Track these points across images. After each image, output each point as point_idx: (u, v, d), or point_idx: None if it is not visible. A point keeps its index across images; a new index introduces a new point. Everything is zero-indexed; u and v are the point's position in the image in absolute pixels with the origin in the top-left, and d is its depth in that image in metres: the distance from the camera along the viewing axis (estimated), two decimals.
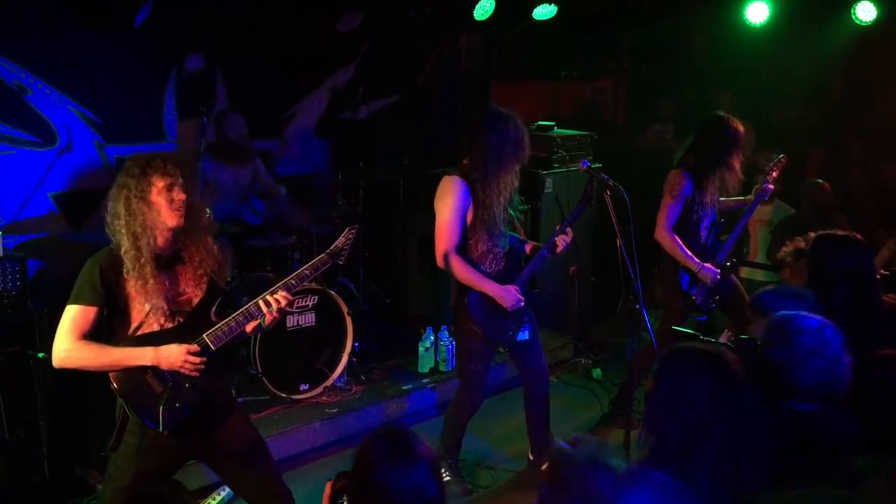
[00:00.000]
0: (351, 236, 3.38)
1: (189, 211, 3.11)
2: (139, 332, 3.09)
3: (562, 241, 4.23)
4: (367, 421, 5.22)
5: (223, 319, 3.16)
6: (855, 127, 8.14)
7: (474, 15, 6.72)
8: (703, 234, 4.88)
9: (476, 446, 4.97)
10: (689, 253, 4.80)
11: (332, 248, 3.37)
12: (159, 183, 3.05)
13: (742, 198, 5.04)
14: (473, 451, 4.91)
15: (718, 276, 4.80)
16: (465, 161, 4.18)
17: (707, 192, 4.81)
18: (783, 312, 2.71)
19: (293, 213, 5.96)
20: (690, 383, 2.30)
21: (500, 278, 4.21)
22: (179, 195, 3.07)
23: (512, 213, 4.36)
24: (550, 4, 6.90)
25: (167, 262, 3.15)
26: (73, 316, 3.03)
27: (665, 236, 4.81)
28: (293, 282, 3.22)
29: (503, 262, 4.27)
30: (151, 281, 3.03)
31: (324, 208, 6.01)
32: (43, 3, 5.28)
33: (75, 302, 3.04)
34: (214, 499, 4.34)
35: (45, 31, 5.35)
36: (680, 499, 1.95)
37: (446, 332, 5.76)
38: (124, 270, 3.03)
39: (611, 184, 3.99)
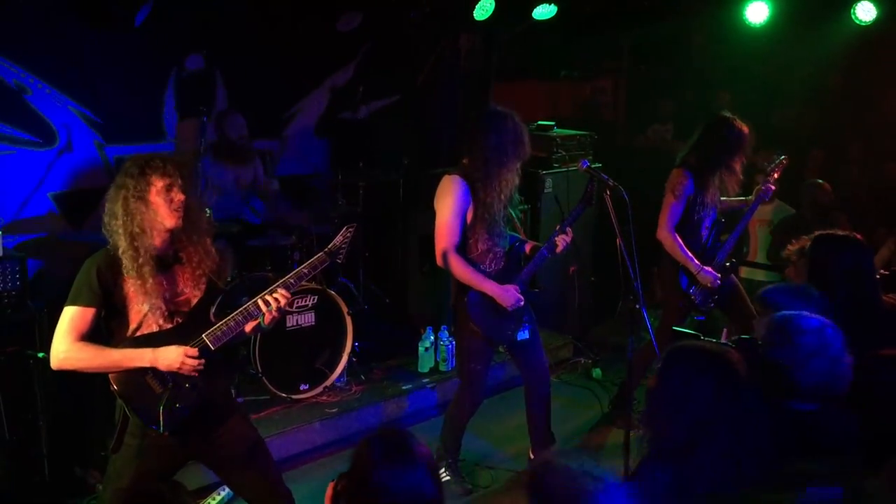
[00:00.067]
0: (349, 235, 3.38)
1: (187, 211, 3.11)
2: (138, 333, 3.08)
3: (562, 241, 4.23)
4: (366, 421, 5.22)
5: (222, 319, 3.16)
6: (855, 127, 8.15)
7: (474, 15, 6.72)
8: (704, 233, 4.88)
9: (476, 446, 4.97)
10: (690, 254, 4.79)
11: (329, 246, 3.37)
12: (158, 183, 3.04)
13: (743, 198, 5.03)
14: (473, 451, 4.91)
15: (718, 281, 4.80)
16: (465, 161, 4.19)
17: (708, 192, 4.81)
18: (784, 312, 2.71)
19: (293, 214, 5.95)
20: (693, 382, 2.31)
21: (500, 278, 4.21)
22: (178, 196, 3.06)
23: (512, 212, 4.36)
24: (550, 4, 6.91)
25: (165, 263, 3.14)
26: (70, 317, 3.02)
27: (667, 236, 4.80)
28: (292, 281, 3.21)
29: (503, 262, 4.27)
30: (150, 281, 3.03)
31: (324, 208, 6.01)
32: (43, 3, 5.28)
33: (73, 303, 3.03)
34: (214, 499, 4.34)
35: (45, 31, 5.36)
36: None
37: (446, 332, 5.76)
38: (122, 271, 3.03)
39: (611, 184, 3.98)
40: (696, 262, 4.79)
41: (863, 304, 3.24)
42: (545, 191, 6.35)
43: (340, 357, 5.36)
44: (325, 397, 5.30)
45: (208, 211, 5.11)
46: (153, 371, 3.05)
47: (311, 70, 6.94)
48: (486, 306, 4.20)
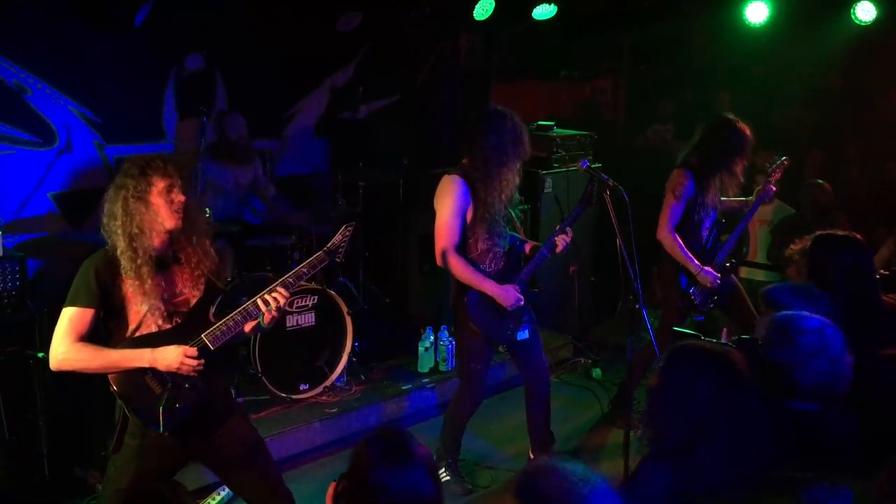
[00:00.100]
0: (348, 233, 3.38)
1: (186, 212, 3.11)
2: (137, 334, 3.07)
3: (561, 241, 4.23)
4: (366, 421, 5.22)
5: (222, 319, 3.16)
6: (855, 127, 8.15)
7: (474, 15, 6.72)
8: (705, 234, 4.88)
9: (476, 446, 4.97)
10: (690, 255, 4.79)
11: (328, 245, 3.37)
12: (160, 184, 3.04)
13: (743, 199, 5.03)
14: (473, 450, 4.91)
15: (718, 281, 4.79)
16: (464, 161, 4.19)
17: (709, 194, 4.80)
18: (784, 312, 2.71)
19: (293, 214, 5.96)
20: (694, 382, 2.31)
21: (500, 277, 4.21)
22: (179, 197, 3.06)
23: (512, 212, 4.36)
24: (550, 4, 6.91)
25: (164, 263, 3.13)
26: (69, 318, 3.02)
27: (667, 236, 4.80)
28: (290, 280, 3.21)
29: (503, 262, 4.27)
30: (148, 282, 3.02)
31: (324, 208, 6.01)
32: (43, 3, 5.28)
33: (71, 304, 3.03)
34: (214, 499, 4.34)
35: (45, 31, 5.36)
36: None
37: (446, 332, 5.76)
38: (121, 272, 3.03)
39: (610, 184, 3.98)
40: (696, 262, 4.79)
41: (863, 304, 3.24)
42: (545, 191, 6.35)
43: (340, 357, 5.36)
44: (325, 397, 5.30)
45: (208, 211, 5.14)
46: (152, 371, 3.04)
47: (311, 70, 6.94)
48: (485, 306, 4.20)
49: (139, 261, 3.01)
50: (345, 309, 5.36)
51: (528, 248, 4.37)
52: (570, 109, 9.37)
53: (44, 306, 4.27)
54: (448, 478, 4.52)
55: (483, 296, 4.18)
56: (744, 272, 6.29)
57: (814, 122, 8.36)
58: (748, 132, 4.72)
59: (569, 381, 6.11)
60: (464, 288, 4.20)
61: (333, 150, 7.21)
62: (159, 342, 3.04)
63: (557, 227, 4.25)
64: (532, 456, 4.67)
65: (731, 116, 4.77)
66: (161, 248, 3.11)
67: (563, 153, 6.47)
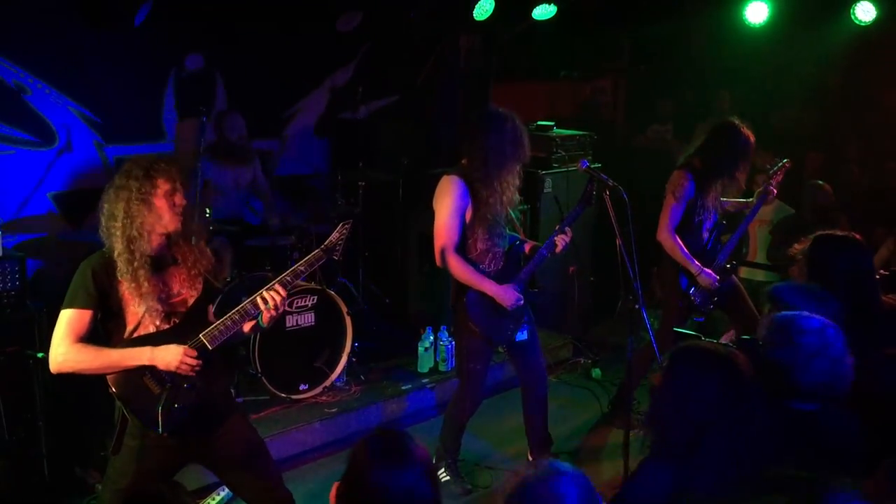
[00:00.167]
0: (345, 231, 3.39)
1: (185, 214, 3.11)
2: (135, 335, 3.07)
3: (561, 241, 4.23)
4: (366, 421, 5.22)
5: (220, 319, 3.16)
6: (855, 127, 8.15)
7: (474, 15, 6.72)
8: (705, 235, 4.87)
9: (476, 446, 4.97)
10: (690, 256, 4.78)
11: (326, 243, 3.37)
12: (164, 186, 3.04)
13: (744, 200, 5.03)
14: (473, 451, 4.91)
15: (717, 283, 4.79)
16: (463, 161, 4.18)
17: (709, 196, 4.78)
18: (785, 312, 2.71)
19: (293, 214, 5.96)
20: (698, 382, 2.31)
21: (499, 278, 4.21)
22: (181, 199, 3.07)
23: (512, 213, 4.36)
24: (550, 4, 6.91)
25: (160, 264, 3.13)
26: (68, 320, 3.01)
27: (667, 238, 4.79)
28: (288, 278, 3.21)
29: (502, 262, 4.27)
30: (145, 284, 3.02)
31: (323, 208, 6.01)
32: (43, 3, 5.28)
33: (69, 306, 3.02)
34: (214, 499, 4.33)
35: (45, 31, 5.36)
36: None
37: (446, 332, 5.76)
38: (117, 273, 3.02)
39: (610, 184, 3.98)
40: (697, 263, 4.78)
41: (862, 305, 3.24)
42: (545, 191, 6.35)
43: (340, 357, 5.36)
44: (324, 397, 5.30)
45: (208, 211, 5.15)
46: (151, 372, 3.04)
47: (311, 70, 6.95)
48: (485, 306, 4.20)
49: (136, 263, 3.01)
50: (344, 309, 5.36)
51: (527, 248, 4.37)
52: (570, 109, 9.37)
53: (43, 306, 4.27)
54: (447, 478, 4.52)
55: (483, 296, 4.18)
56: (744, 272, 6.29)
57: (814, 122, 8.36)
58: (752, 138, 4.69)
59: (568, 381, 6.11)
60: (463, 288, 4.20)
61: (333, 150, 7.21)
62: (158, 342, 3.04)
63: (557, 227, 4.25)
64: (531, 457, 4.67)
65: (736, 121, 4.72)
66: (158, 249, 3.11)
67: (563, 153, 6.46)
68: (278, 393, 5.11)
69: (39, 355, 4.12)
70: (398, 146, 6.91)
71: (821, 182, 6.15)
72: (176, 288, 3.16)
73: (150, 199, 3.02)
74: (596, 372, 6.20)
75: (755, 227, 6.25)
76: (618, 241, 3.85)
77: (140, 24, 5.28)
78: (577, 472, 1.94)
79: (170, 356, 3.01)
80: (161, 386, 3.05)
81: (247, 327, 3.24)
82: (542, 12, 6.96)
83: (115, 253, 3.02)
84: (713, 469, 2.22)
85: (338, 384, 5.39)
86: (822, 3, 6.98)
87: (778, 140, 7.00)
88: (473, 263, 4.18)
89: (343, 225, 3.39)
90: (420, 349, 5.79)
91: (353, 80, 7.07)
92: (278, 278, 3.19)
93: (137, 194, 3.00)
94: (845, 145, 8.01)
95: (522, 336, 4.37)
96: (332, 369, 5.34)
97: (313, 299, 5.25)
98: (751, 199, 4.98)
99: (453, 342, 5.33)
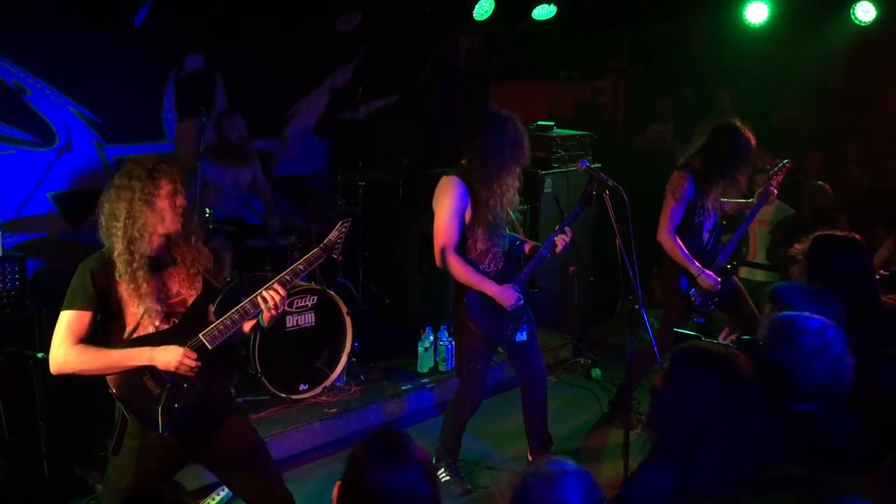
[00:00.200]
0: (344, 230, 3.39)
1: (185, 215, 3.11)
2: (135, 335, 3.07)
3: (561, 241, 4.22)
4: (366, 421, 5.22)
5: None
6: (855, 127, 8.16)
7: (474, 15, 6.72)
8: (706, 236, 4.87)
9: (476, 446, 4.97)
10: (690, 257, 4.78)
11: (325, 242, 3.37)
12: (167, 187, 3.03)
13: (744, 200, 5.03)
14: (473, 451, 4.91)
15: (718, 285, 4.79)
16: (463, 161, 4.18)
17: (709, 197, 4.78)
18: (786, 313, 2.71)
19: (293, 214, 5.96)
20: (698, 382, 2.31)
21: (499, 278, 4.21)
22: (182, 201, 3.07)
23: (512, 213, 4.36)
24: (550, 4, 6.91)
25: (159, 264, 3.13)
26: (67, 321, 3.01)
27: (667, 238, 4.79)
28: (288, 277, 3.20)
29: (502, 262, 4.26)
30: (144, 285, 3.02)
31: (323, 208, 6.01)
32: (43, 3, 5.28)
33: (69, 307, 3.02)
34: (214, 499, 4.33)
35: (45, 31, 5.36)
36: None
37: (445, 332, 5.76)
38: (116, 274, 3.02)
39: (610, 184, 3.98)
40: (697, 264, 4.77)
41: (862, 305, 3.24)
42: (545, 191, 6.35)
43: (340, 357, 5.36)
44: (324, 397, 5.30)
45: (208, 211, 5.15)
46: (151, 372, 3.04)
47: (311, 70, 6.95)
48: (485, 306, 4.20)
49: (135, 264, 3.00)
50: (344, 309, 5.36)
51: (527, 248, 4.36)
52: (569, 109, 9.37)
53: (43, 306, 4.27)
54: (447, 478, 4.52)
55: (482, 296, 4.17)
56: (744, 272, 6.29)
57: (814, 122, 8.37)
58: (753, 140, 4.68)
59: (568, 381, 6.11)
60: (463, 288, 4.20)
61: (333, 150, 7.21)
62: (157, 342, 3.04)
63: (557, 227, 4.25)
64: (531, 457, 4.67)
65: (738, 123, 4.70)
66: (158, 249, 3.11)
67: (563, 153, 6.47)
68: (278, 393, 5.11)
69: (39, 355, 4.12)
70: (398, 146, 6.91)
71: (821, 182, 6.15)
72: (175, 288, 3.16)
73: (152, 200, 3.01)
74: (596, 372, 6.20)
75: (755, 227, 6.25)
76: (618, 241, 3.85)
77: (140, 24, 5.28)
78: (582, 470, 1.95)
79: (169, 356, 3.01)
80: (161, 386, 3.05)
81: (247, 327, 3.24)
82: (542, 12, 6.96)
83: (115, 253, 3.02)
84: (713, 469, 2.22)
85: (338, 384, 5.39)
86: (822, 3, 6.98)
87: (778, 140, 7.01)
88: (473, 264, 4.17)
89: (342, 223, 3.39)
90: (420, 349, 5.79)
91: (353, 80, 7.07)
92: (277, 277, 3.19)
93: (140, 195, 3.00)
94: (845, 145, 8.01)
95: (522, 337, 4.37)
96: (332, 369, 5.34)
97: (313, 299, 5.25)
98: (751, 200, 4.97)
99: (453, 342, 5.33)
